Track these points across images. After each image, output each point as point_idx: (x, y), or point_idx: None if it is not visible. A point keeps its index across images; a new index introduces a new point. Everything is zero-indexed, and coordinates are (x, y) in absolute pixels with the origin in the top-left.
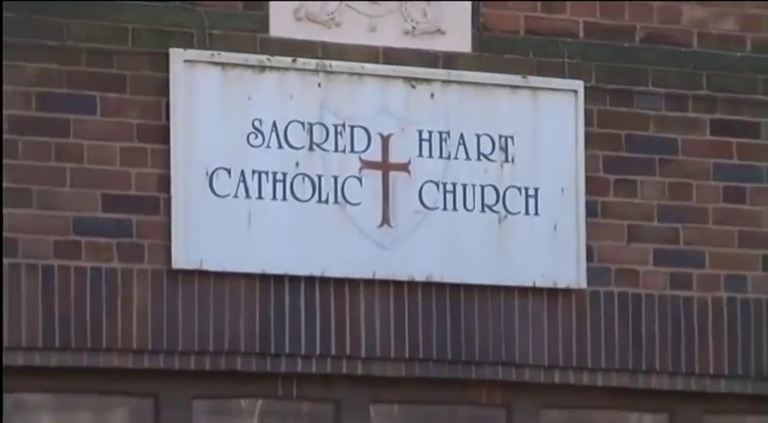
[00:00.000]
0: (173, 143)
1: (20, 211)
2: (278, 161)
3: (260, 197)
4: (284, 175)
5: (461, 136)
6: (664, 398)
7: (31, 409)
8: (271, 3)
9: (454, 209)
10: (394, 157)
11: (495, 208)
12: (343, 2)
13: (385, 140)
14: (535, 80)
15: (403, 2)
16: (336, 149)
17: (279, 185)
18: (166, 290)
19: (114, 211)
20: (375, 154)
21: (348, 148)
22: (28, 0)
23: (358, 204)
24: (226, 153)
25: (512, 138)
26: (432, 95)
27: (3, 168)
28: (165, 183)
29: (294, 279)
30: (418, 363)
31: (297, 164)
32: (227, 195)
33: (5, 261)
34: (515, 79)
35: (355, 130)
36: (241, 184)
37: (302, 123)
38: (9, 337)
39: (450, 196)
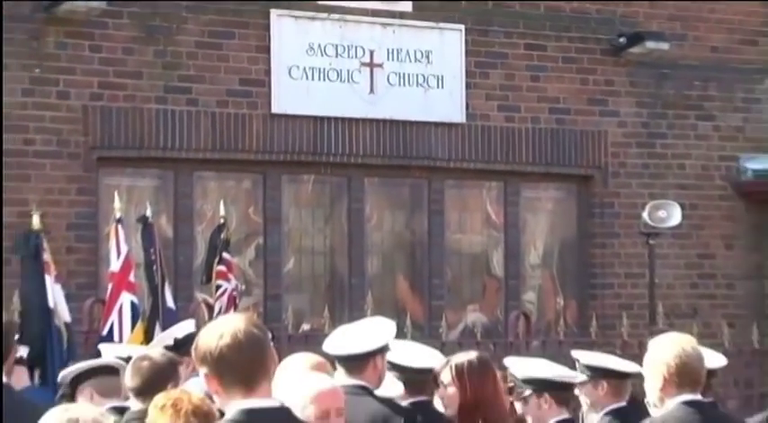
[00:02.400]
0: (272, 53)
1: (200, 85)
2: (320, 61)
3: (312, 79)
4: (323, 69)
5: (407, 51)
6: (501, 174)
7: (204, 179)
8: None
9: (404, 85)
10: (376, 61)
11: (423, 85)
12: None
13: (371, 53)
14: (443, 25)
15: None
16: (348, 56)
17: (322, 73)
18: (269, 121)
19: (244, 85)
20: (366, 59)
21: (354, 56)
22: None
23: (358, 83)
24: (295, 58)
25: (431, 52)
26: (394, 32)
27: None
28: (267, 72)
29: (329, 118)
30: (387, 157)
31: (330, 63)
32: (297, 78)
33: (193, 109)
34: (434, 24)
35: (357, 47)
36: (303, 73)
37: (332, 44)
38: (195, 144)
39: (402, 79)
